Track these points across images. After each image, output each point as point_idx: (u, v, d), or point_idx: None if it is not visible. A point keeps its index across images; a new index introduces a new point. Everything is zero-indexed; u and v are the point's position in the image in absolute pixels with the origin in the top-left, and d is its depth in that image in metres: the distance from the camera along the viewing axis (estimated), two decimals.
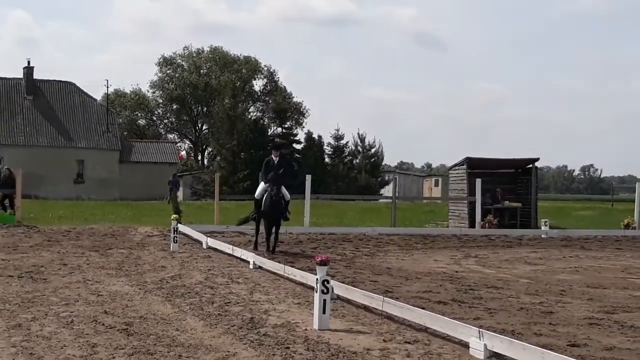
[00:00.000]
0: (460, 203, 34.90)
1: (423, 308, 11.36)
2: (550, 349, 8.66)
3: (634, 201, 38.13)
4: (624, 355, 9.29)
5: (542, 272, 18.17)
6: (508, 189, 35.36)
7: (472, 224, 32.42)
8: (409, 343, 9.70)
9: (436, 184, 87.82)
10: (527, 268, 18.99)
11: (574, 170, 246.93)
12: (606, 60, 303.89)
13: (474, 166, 34.74)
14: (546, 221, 31.20)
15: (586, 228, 34.19)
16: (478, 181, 32.08)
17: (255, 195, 21.74)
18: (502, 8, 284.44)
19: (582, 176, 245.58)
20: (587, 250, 24.34)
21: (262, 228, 21.61)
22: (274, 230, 21.09)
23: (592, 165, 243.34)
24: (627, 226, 33.32)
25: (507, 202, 34.60)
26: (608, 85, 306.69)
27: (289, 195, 21.90)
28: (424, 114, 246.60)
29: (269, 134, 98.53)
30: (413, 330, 10.47)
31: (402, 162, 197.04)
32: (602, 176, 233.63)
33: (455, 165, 36.78)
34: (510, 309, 12.71)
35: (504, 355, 8.76)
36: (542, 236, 28.85)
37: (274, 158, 21.29)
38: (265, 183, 20.84)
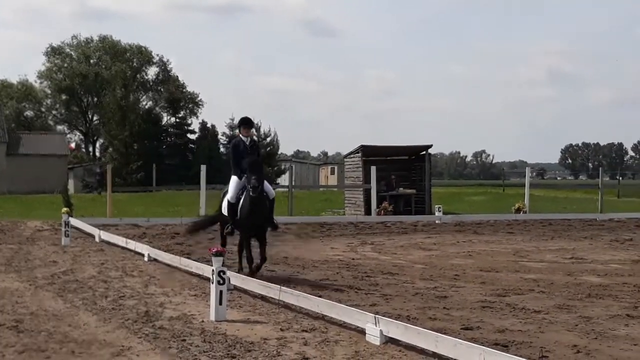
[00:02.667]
0: (356, 191, 35.21)
1: (320, 296, 11.41)
2: (445, 333, 8.80)
3: (524, 186, 38.98)
4: (515, 337, 9.48)
5: (437, 258, 18.41)
6: (402, 176, 35.80)
7: (367, 211, 32.73)
8: (306, 331, 9.75)
9: (332, 172, 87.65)
10: (421, 254, 19.22)
11: (466, 157, 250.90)
12: (494, 48, 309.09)
13: (369, 154, 35.10)
14: (440, 207, 31.74)
15: (479, 213, 34.83)
16: (373, 169, 32.51)
17: (229, 198, 14.28)
18: None
19: (474, 162, 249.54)
20: (479, 235, 24.77)
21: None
22: (255, 242, 14.75)
23: (484, 151, 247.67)
24: (517, 210, 33.99)
25: (402, 188, 35.04)
26: (496, 72, 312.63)
27: (273, 192, 15.72)
28: (319, 102, 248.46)
29: (162, 124, 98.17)
30: (310, 318, 10.53)
31: (298, 150, 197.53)
32: (494, 162, 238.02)
33: (351, 153, 37.13)
34: (406, 295, 12.86)
35: (400, 341, 8.88)
36: (436, 222, 29.31)
37: (243, 139, 14.61)
38: (239, 176, 14.09)
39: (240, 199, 13.83)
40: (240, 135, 14.44)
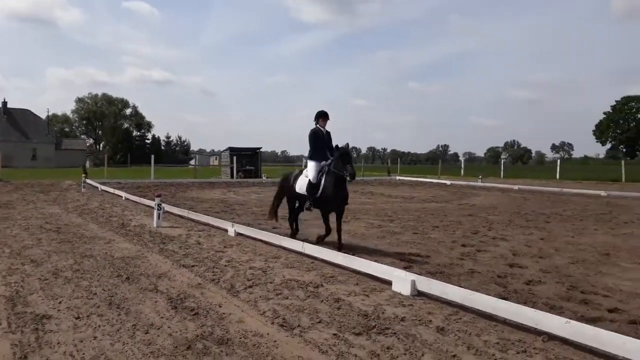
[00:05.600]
0: (227, 167, 34.67)
1: (207, 214, 11.24)
2: (263, 230, 8.87)
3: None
4: (308, 235, 9.63)
5: (263, 197, 18.38)
6: (249, 161, 35.46)
7: (232, 177, 32.40)
8: (200, 231, 9.58)
9: (217, 159, 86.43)
10: (256, 195, 19.15)
11: (277, 152, 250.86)
12: (306, 101, 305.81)
13: (233, 150, 34.72)
14: (265, 175, 31.73)
15: None
16: (235, 157, 32.47)
17: (311, 179, 8.14)
18: (244, 73, 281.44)
19: (281, 155, 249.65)
20: None
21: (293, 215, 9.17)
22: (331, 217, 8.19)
23: (285, 150, 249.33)
24: None
25: (248, 166, 34.76)
26: (298, 108, 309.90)
27: None
28: (211, 127, 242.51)
29: (133, 134, 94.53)
30: (203, 225, 10.33)
31: (200, 148, 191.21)
32: (290, 155, 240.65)
33: (224, 150, 36.70)
34: (248, 213, 12.81)
35: (245, 234, 8.88)
36: (262, 182, 29.16)
37: (322, 128, 8.22)
38: (319, 160, 8.14)
39: (321, 180, 7.95)
40: (318, 125, 8.17)
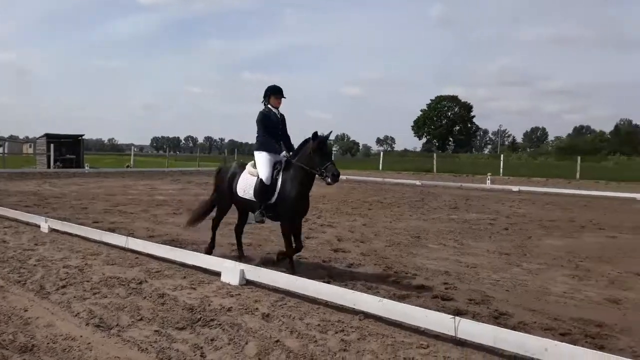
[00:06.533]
0: (43, 156, 31.25)
1: (16, 209, 10.01)
2: (82, 224, 8.20)
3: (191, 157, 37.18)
4: (118, 225, 9.05)
5: (84, 189, 16.92)
6: (70, 149, 32.29)
7: (49, 166, 29.32)
8: (6, 228, 8.52)
9: (31, 147, 77.25)
10: (76, 187, 17.49)
11: (104, 140, 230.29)
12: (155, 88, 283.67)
13: (51, 137, 31.50)
14: (88, 164, 29.30)
15: (107, 168, 32.59)
16: (52, 146, 29.53)
17: (264, 179, 5.72)
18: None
19: (107, 142, 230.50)
20: (107, 178, 23.22)
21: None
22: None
23: (114, 138, 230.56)
24: (127, 166, 32.37)
25: (68, 155, 31.67)
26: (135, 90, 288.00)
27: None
28: (25, 111, 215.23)
29: None
30: (10, 221, 9.16)
31: (11, 135, 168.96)
32: (118, 142, 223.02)
33: (41, 137, 33.17)
34: (66, 207, 11.65)
35: (60, 230, 8.10)
36: (85, 172, 26.83)
37: (273, 110, 5.92)
38: (271, 152, 5.87)
39: (277, 179, 5.77)
40: (270, 106, 5.94)
